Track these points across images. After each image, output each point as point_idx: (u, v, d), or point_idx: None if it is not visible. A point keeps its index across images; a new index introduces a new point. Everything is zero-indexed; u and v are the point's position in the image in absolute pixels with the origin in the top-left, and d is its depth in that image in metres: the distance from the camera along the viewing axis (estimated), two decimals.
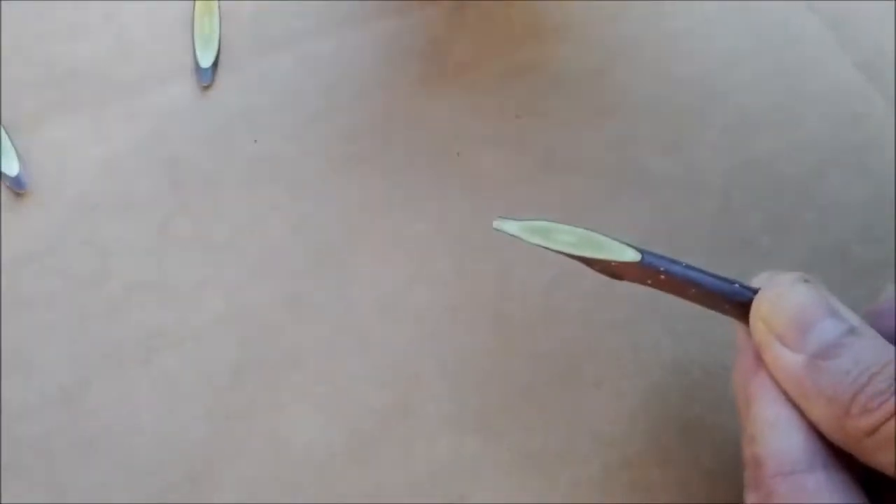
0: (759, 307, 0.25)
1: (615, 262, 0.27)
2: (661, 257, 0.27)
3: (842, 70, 0.38)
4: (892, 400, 0.21)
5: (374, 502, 0.30)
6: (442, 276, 0.33)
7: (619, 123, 0.35)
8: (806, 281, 0.24)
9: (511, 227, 0.28)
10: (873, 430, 0.21)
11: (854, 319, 0.23)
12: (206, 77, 0.35)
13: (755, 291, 0.26)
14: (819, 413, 0.23)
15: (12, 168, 0.33)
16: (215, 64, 0.35)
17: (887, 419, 0.21)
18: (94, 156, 0.34)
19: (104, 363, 0.31)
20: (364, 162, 0.34)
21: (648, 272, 0.27)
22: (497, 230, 0.28)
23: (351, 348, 0.32)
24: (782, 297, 0.24)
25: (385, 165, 0.34)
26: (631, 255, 0.27)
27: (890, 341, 0.24)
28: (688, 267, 0.27)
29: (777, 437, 0.23)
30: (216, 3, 0.36)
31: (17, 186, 0.33)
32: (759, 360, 0.25)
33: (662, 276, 0.27)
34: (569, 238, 0.28)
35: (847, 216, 0.35)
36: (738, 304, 0.26)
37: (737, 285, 0.26)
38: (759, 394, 0.24)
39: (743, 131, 0.36)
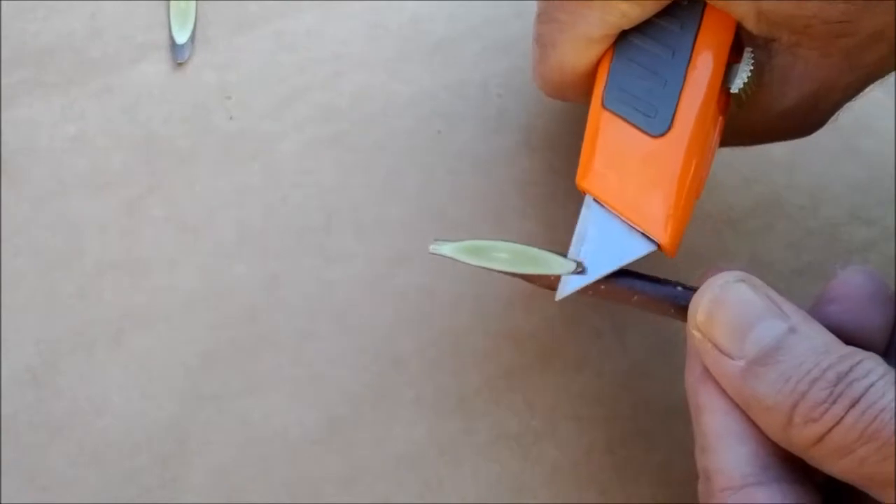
0: (694, 314, 0.24)
1: (554, 275, 0.27)
2: None
3: None
4: (835, 408, 0.21)
5: (349, 487, 0.30)
6: (421, 256, 0.32)
7: None
8: (742, 280, 0.23)
9: (446, 249, 0.28)
10: (818, 440, 0.21)
11: (795, 316, 0.23)
12: (182, 54, 0.34)
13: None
14: (762, 421, 0.22)
15: None
16: (191, 40, 0.34)
17: (830, 429, 0.21)
18: (67, 133, 0.33)
19: (74, 344, 0.31)
20: (342, 140, 0.34)
21: (588, 284, 0.26)
22: (433, 254, 0.28)
23: (327, 330, 0.31)
24: (717, 301, 0.23)
25: (364, 144, 0.34)
26: (569, 268, 0.27)
27: (841, 328, 0.23)
28: (627, 274, 0.26)
29: (725, 449, 0.23)
30: None
31: None
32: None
33: (602, 287, 0.26)
34: (505, 255, 0.28)
35: (837, 197, 0.34)
36: (681, 307, 0.25)
37: (679, 288, 0.26)
38: (707, 403, 0.23)
39: None
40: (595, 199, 0.27)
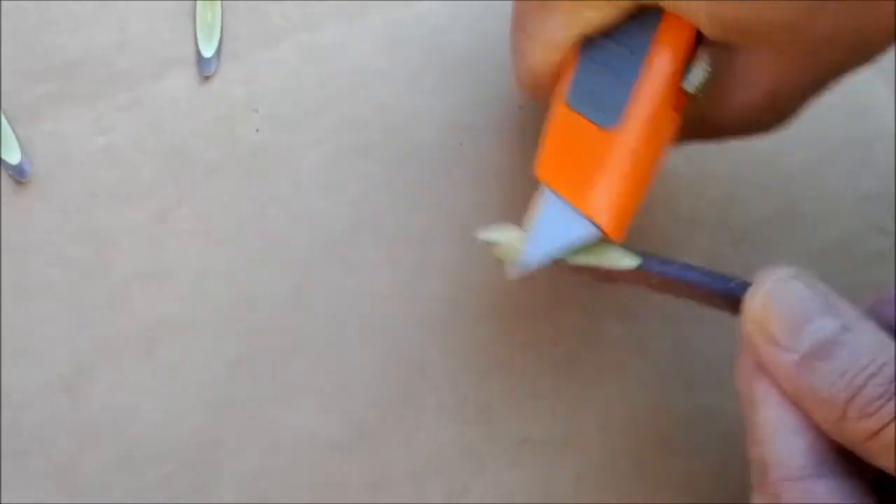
0: (749, 308, 0.24)
1: (610, 267, 0.27)
2: (654, 258, 0.27)
3: None
4: (891, 404, 0.21)
5: (375, 493, 0.30)
6: (445, 266, 0.33)
7: None
8: (797, 277, 0.24)
9: (496, 236, 0.28)
10: (872, 435, 0.21)
11: (850, 314, 0.23)
12: (208, 67, 0.35)
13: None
14: (816, 414, 0.22)
15: (14, 157, 0.33)
16: (217, 54, 0.35)
17: (886, 424, 0.21)
18: (96, 145, 0.34)
19: (105, 353, 0.31)
20: (366, 152, 0.34)
21: (641, 275, 0.27)
22: (482, 239, 0.28)
23: (352, 339, 0.32)
24: (773, 295, 0.23)
25: (387, 156, 0.34)
26: (622, 259, 0.27)
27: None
28: (682, 267, 0.26)
29: (783, 441, 0.23)
30: None
31: (19, 175, 0.33)
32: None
33: (655, 279, 0.27)
34: None
35: (852, 207, 0.35)
36: (735, 301, 0.25)
37: (733, 283, 0.26)
38: (762, 396, 0.23)
39: None
40: (549, 188, 0.28)
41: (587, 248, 0.28)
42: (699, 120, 0.28)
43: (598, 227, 0.27)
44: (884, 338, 0.22)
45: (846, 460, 0.22)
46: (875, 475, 0.23)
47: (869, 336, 0.22)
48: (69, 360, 0.31)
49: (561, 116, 0.28)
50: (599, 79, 0.27)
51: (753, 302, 0.24)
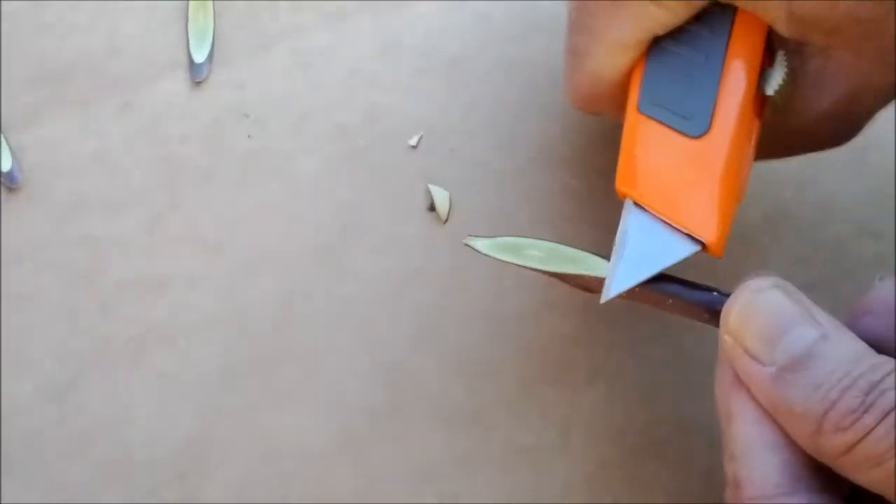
0: (726, 319, 0.24)
1: (588, 275, 0.27)
2: None
3: None
4: (866, 417, 0.20)
5: (366, 499, 0.30)
6: (437, 271, 0.33)
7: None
8: (776, 286, 0.23)
9: (480, 244, 0.28)
10: (848, 449, 0.21)
11: (828, 324, 0.22)
12: (200, 72, 0.35)
13: None
14: (791, 428, 0.22)
15: (5, 163, 0.33)
16: (209, 59, 0.35)
17: (861, 438, 0.20)
18: (87, 151, 0.34)
19: (96, 360, 0.31)
20: (358, 157, 0.34)
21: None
22: (467, 246, 0.28)
23: (343, 346, 0.32)
24: (750, 307, 0.23)
25: (379, 161, 0.34)
26: (602, 268, 0.27)
27: (875, 340, 0.23)
28: (662, 278, 0.26)
29: (758, 458, 0.22)
30: None
31: (9, 182, 0.33)
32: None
33: (637, 289, 0.26)
34: (539, 253, 0.27)
35: (846, 212, 0.34)
36: (715, 312, 0.25)
37: (715, 293, 0.25)
38: (739, 411, 0.23)
39: None
40: (635, 203, 0.27)
41: (560, 254, 0.27)
42: (774, 132, 0.28)
43: (700, 242, 0.25)
44: (862, 348, 0.22)
45: (821, 476, 0.22)
46: (850, 489, 0.22)
47: (846, 346, 0.22)
48: (60, 367, 0.31)
49: (636, 125, 0.27)
50: (674, 85, 0.26)
51: (730, 314, 0.23)
